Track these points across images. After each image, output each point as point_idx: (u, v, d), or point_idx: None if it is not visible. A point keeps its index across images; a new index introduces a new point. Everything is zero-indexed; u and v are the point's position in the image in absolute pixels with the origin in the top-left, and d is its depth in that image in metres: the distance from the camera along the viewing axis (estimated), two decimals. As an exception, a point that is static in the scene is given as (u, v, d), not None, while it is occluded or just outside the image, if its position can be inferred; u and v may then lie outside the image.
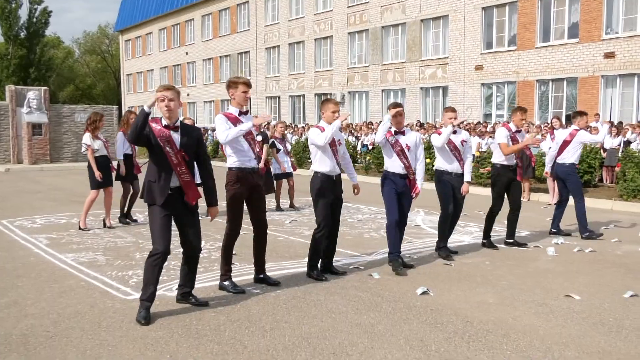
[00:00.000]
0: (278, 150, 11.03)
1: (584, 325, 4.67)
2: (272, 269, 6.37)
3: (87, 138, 8.79)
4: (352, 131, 23.72)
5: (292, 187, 11.19)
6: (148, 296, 4.66)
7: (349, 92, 31.05)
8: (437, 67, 26.34)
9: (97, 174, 8.70)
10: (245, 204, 5.59)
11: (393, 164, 6.39)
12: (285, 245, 7.75)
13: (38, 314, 4.88)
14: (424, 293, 5.49)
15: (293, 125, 28.95)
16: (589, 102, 20.65)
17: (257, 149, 5.64)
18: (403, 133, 6.46)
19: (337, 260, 6.77)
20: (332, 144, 5.96)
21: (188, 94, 44.63)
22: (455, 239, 8.19)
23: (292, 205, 11.12)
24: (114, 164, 9.34)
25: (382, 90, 29.12)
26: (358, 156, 20.94)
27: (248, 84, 5.48)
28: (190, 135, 4.82)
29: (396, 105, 6.44)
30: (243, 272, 6.26)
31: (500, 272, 6.40)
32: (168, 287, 5.64)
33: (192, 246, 4.89)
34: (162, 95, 4.68)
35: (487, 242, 7.77)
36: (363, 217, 10.25)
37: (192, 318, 4.77)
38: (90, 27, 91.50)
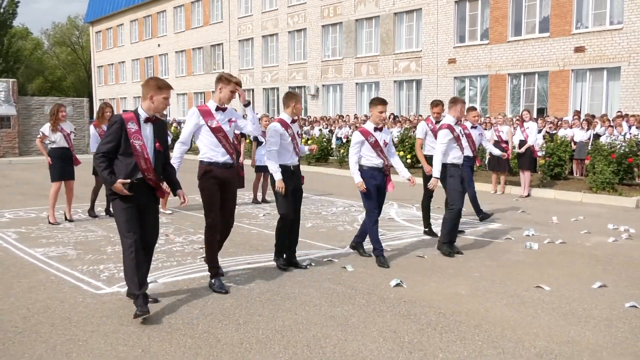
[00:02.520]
0: (260, 144, 10.76)
1: (554, 316, 4.75)
2: (246, 262, 6.36)
3: (45, 127, 8.71)
4: (326, 124, 23.74)
5: (267, 181, 11.17)
6: (135, 287, 4.56)
7: (323, 85, 31.01)
8: (411, 60, 26.45)
9: (47, 159, 8.66)
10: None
11: (372, 159, 6.41)
12: (259, 238, 7.73)
13: (7, 309, 4.78)
14: (397, 285, 5.53)
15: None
16: (559, 96, 20.96)
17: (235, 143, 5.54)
18: (380, 129, 6.46)
19: (312, 253, 6.78)
20: (293, 137, 6.08)
21: (160, 87, 44.01)
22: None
23: (264, 199, 11.12)
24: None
25: (356, 84, 29.15)
26: (332, 149, 20.94)
27: (239, 84, 5.48)
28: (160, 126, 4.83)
29: (382, 101, 6.40)
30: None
31: (472, 263, 6.47)
32: (140, 282, 5.57)
33: (149, 240, 4.78)
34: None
35: (429, 230, 8.07)
36: (337, 210, 10.26)
37: (164, 311, 4.72)
38: (60, 18, 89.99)
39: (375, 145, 6.35)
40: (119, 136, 4.52)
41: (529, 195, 12.36)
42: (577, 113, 18.41)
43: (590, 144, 14.59)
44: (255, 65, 35.52)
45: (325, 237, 7.86)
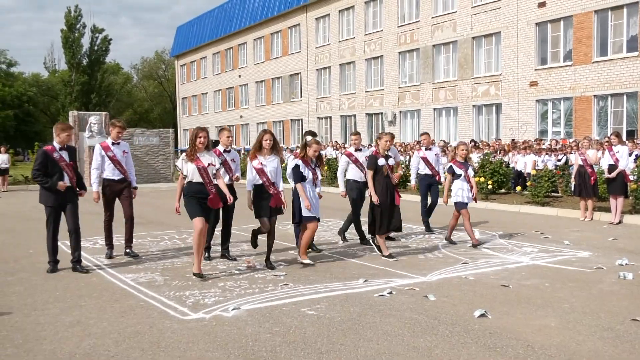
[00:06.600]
0: (457, 176, 9.18)
1: (653, 352, 4.46)
2: (326, 290, 6.37)
3: (179, 160, 7.27)
4: (402, 150, 23.60)
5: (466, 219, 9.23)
6: (55, 259, 7.51)
7: (400, 112, 30.95)
8: (490, 84, 25.98)
9: (176, 205, 7.26)
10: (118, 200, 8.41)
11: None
12: (338, 266, 7.73)
13: (100, 333, 5.01)
14: (481, 316, 5.37)
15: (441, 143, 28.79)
16: (651, 117, 19.93)
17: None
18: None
19: (393, 282, 6.71)
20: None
21: (241, 116, 45.43)
22: (513, 260, 8.00)
23: (449, 239, 9.58)
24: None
25: (434, 109, 28.92)
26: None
27: (124, 127, 9.03)
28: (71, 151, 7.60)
29: (312, 134, 8.08)
30: (298, 292, 6.28)
31: (562, 294, 6.19)
32: (224, 308, 5.71)
33: (73, 227, 7.47)
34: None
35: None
36: (417, 237, 10.12)
37: (248, 339, 4.80)
38: (148, 53, 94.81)
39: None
40: (45, 161, 7.27)
41: (620, 222, 11.74)
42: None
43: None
44: (332, 93, 35.99)
45: (406, 265, 7.76)
